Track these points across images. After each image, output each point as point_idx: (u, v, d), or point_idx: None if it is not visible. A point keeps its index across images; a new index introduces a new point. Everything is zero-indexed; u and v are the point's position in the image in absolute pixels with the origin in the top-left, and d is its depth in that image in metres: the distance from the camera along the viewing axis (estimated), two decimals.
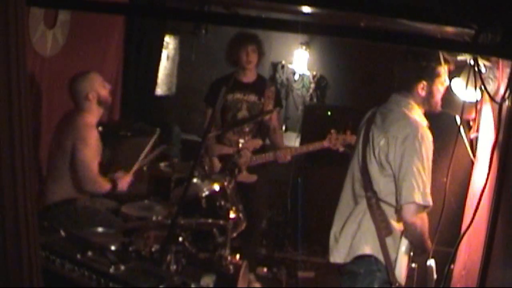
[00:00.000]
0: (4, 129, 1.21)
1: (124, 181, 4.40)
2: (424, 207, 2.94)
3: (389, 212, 3.05)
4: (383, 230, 3.02)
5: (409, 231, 3.00)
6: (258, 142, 5.18)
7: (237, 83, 5.13)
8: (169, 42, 7.28)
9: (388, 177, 3.02)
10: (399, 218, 3.00)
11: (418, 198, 2.89)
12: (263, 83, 5.29)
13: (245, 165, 5.06)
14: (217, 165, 5.10)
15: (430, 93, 3.11)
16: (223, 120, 5.22)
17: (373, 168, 3.07)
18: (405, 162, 2.93)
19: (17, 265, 1.28)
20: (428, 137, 2.99)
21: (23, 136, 1.25)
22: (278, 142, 5.30)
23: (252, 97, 5.14)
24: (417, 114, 3.11)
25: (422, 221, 2.97)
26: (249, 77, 5.18)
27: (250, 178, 5.12)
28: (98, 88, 4.23)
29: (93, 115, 4.24)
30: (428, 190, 2.93)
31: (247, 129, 5.15)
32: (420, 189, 2.89)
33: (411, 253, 3.12)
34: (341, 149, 4.98)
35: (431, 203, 2.95)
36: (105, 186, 4.27)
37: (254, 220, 5.21)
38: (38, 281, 1.34)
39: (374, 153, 3.07)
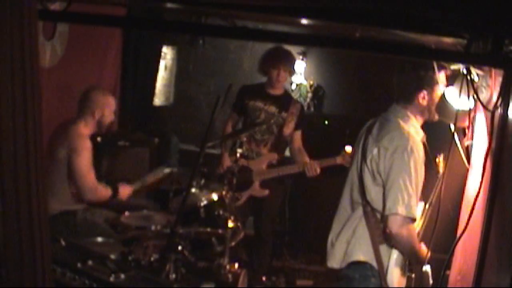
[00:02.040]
0: (20, 139, 1.25)
1: (126, 190, 4.43)
2: (410, 220, 2.95)
3: None
4: (377, 237, 3.04)
5: (395, 242, 3.01)
6: (274, 156, 5.17)
7: (262, 92, 5.19)
8: (167, 53, 7.33)
9: (378, 186, 3.04)
10: (386, 229, 3.00)
11: (402, 211, 2.89)
12: (288, 99, 5.31)
13: (259, 179, 5.09)
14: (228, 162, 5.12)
15: (430, 101, 3.13)
16: (244, 124, 5.25)
17: (366, 177, 3.09)
18: (392, 174, 2.94)
19: (31, 267, 1.32)
20: (418, 150, 2.99)
21: (37, 145, 1.29)
22: (302, 158, 5.20)
23: (272, 109, 5.14)
24: (412, 126, 3.11)
25: (408, 232, 2.96)
26: (276, 90, 5.20)
27: (262, 193, 5.14)
28: (107, 111, 4.28)
29: (86, 127, 4.27)
30: (414, 203, 2.93)
31: (261, 138, 5.17)
32: (404, 201, 2.89)
33: (407, 262, 3.14)
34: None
35: (415, 216, 2.95)
36: (105, 193, 4.30)
37: (263, 233, 5.25)
38: (49, 281, 1.38)
39: (367, 162, 3.09)
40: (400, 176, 2.93)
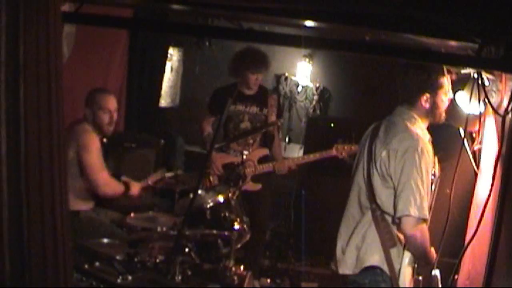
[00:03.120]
0: (45, 138, 1.26)
1: (137, 186, 4.45)
2: (422, 220, 2.95)
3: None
4: (387, 241, 3.04)
5: (409, 244, 3.02)
6: (264, 151, 5.25)
7: (239, 94, 5.20)
8: (173, 54, 7.33)
9: (389, 189, 3.03)
10: (399, 231, 3.02)
11: (414, 212, 2.90)
12: (264, 93, 5.37)
13: (250, 174, 5.11)
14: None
15: (434, 104, 3.13)
16: (225, 130, 5.27)
17: (376, 181, 3.09)
18: (404, 175, 2.95)
19: (54, 268, 1.32)
20: (428, 151, 3.01)
21: (60, 144, 1.30)
22: (277, 152, 5.38)
23: (254, 109, 5.21)
24: (419, 127, 3.12)
25: (422, 233, 2.97)
26: (252, 89, 5.25)
27: (255, 187, 5.17)
28: (96, 110, 4.29)
29: (94, 129, 4.29)
30: (426, 204, 2.94)
31: (251, 141, 5.21)
32: (416, 202, 2.90)
33: (416, 265, 3.14)
34: (346, 157, 5.05)
35: (427, 216, 2.96)
36: (118, 188, 4.32)
37: (258, 230, 5.25)
38: (71, 282, 1.38)
39: (376, 165, 3.08)
40: (411, 177, 2.93)
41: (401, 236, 3.05)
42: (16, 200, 1.24)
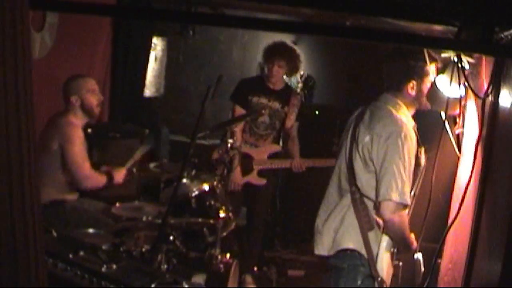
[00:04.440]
0: (13, 129, 1.24)
1: (120, 174, 4.41)
2: (403, 206, 2.96)
3: (372, 207, 3.08)
4: (365, 224, 3.05)
5: (387, 228, 3.02)
6: (277, 147, 5.26)
7: (264, 87, 5.20)
8: (157, 44, 7.29)
9: (370, 173, 3.04)
10: (378, 215, 3.04)
11: (395, 197, 2.90)
12: (289, 92, 5.35)
13: (258, 166, 5.13)
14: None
15: (419, 91, 3.13)
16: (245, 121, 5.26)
17: (357, 164, 3.09)
18: (387, 160, 2.95)
19: (25, 258, 1.31)
20: (411, 137, 3.00)
21: (30, 136, 1.28)
22: (295, 151, 5.34)
23: (276, 105, 5.18)
24: (404, 114, 3.11)
25: (400, 218, 2.98)
26: (276, 84, 5.22)
27: (259, 181, 5.19)
28: (84, 94, 4.25)
29: (76, 118, 4.25)
30: (407, 189, 2.94)
31: (263, 133, 5.20)
32: (398, 187, 2.91)
33: (395, 250, 3.15)
34: None
35: (408, 202, 2.96)
36: (101, 180, 4.28)
37: (256, 222, 5.29)
38: (43, 272, 1.38)
39: (358, 149, 3.09)
40: (393, 162, 2.93)
41: (380, 221, 3.06)
42: None
